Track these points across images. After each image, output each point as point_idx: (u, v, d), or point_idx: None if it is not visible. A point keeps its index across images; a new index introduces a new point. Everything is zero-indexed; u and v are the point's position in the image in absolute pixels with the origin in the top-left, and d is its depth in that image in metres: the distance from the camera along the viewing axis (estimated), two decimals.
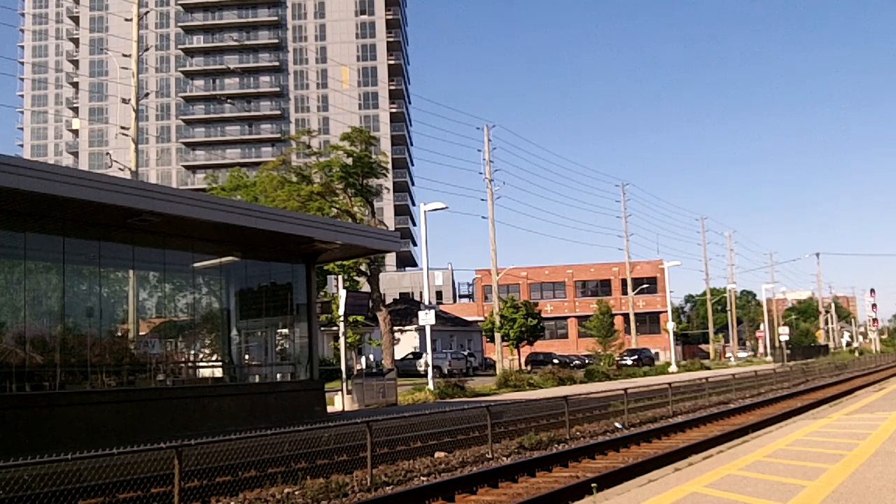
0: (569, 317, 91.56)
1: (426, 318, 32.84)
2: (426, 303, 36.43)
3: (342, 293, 27.23)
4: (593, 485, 9.50)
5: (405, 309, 65.18)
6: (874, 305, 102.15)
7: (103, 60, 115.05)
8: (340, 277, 33.59)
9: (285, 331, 23.67)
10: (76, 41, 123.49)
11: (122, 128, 31.46)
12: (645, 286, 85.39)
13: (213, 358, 21.95)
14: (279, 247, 21.72)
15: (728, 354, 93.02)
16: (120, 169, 28.91)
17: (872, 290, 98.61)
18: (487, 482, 12.34)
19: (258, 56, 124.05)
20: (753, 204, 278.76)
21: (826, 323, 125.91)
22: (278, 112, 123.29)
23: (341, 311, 27.07)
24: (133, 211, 16.18)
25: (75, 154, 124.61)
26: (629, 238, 73.57)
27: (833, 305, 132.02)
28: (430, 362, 35.00)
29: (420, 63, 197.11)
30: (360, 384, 27.19)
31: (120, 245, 18.17)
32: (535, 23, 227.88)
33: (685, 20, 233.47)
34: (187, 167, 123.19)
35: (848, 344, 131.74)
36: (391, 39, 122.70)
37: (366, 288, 42.37)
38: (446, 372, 50.82)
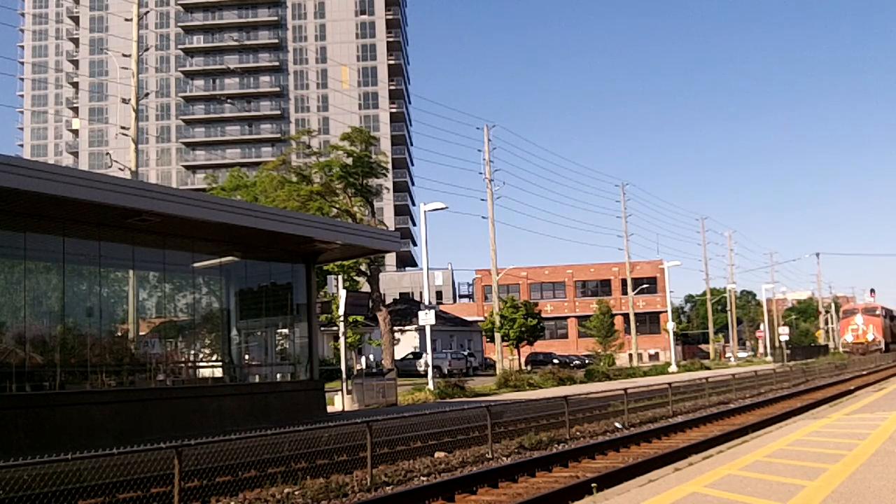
0: (569, 317, 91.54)
1: (426, 318, 32.85)
2: (426, 303, 36.42)
3: (342, 293, 27.23)
4: (593, 485, 9.51)
5: (405, 309, 65.17)
6: None
7: (103, 60, 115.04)
8: (340, 277, 33.59)
9: (285, 331, 23.69)
10: (76, 41, 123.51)
11: (122, 128, 31.46)
12: (645, 286, 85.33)
13: (213, 358, 21.96)
14: (279, 247, 21.73)
15: (728, 354, 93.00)
16: (120, 169, 28.91)
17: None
18: (487, 482, 12.33)
19: (258, 56, 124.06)
20: (753, 204, 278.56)
21: (826, 323, 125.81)
22: (278, 112, 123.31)
23: (341, 311, 27.07)
24: (133, 211, 16.18)
25: (75, 154, 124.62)
26: (629, 238, 73.51)
27: (833, 305, 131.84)
28: (430, 362, 35.01)
29: (420, 63, 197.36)
30: (360, 384, 27.21)
31: (120, 245, 18.18)
32: (535, 22, 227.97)
33: (685, 20, 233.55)
34: (187, 167, 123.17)
35: None
36: (391, 39, 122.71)
37: (366, 288, 42.38)
38: (446, 372, 50.85)
